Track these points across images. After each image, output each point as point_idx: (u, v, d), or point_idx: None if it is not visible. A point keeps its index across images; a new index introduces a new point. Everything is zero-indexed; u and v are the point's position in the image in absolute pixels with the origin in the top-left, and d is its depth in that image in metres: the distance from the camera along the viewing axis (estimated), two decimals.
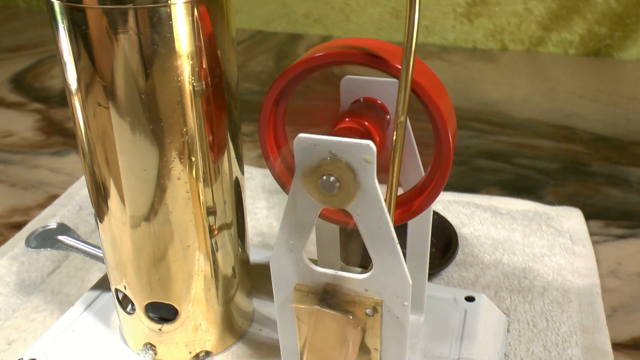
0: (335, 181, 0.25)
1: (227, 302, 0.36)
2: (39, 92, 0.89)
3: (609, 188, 0.62)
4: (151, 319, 0.35)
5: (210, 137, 0.31)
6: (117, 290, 0.35)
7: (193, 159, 0.30)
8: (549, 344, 0.40)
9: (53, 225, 0.42)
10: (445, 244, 0.50)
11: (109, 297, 0.41)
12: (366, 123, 0.29)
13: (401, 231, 0.30)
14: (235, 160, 0.34)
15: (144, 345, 0.36)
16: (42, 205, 0.59)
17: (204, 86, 0.29)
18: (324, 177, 0.25)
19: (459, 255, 0.50)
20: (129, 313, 0.36)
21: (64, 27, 0.27)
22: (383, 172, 0.27)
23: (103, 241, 0.34)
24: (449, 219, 0.53)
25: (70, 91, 0.29)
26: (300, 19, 1.15)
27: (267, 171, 0.63)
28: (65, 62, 0.29)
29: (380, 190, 0.26)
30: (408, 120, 0.30)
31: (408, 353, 0.30)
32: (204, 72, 0.29)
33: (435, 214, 0.52)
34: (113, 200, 0.31)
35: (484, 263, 0.49)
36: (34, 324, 0.43)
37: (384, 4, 1.08)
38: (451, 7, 1.05)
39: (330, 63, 0.28)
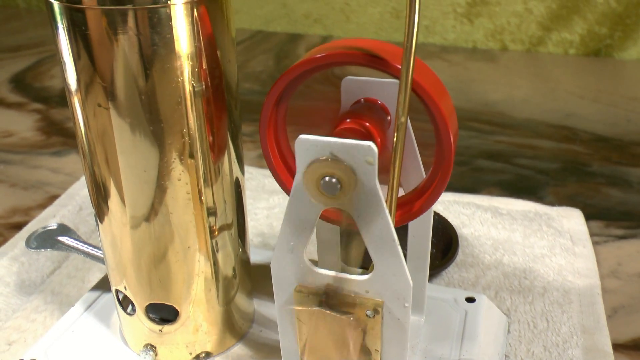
0: (336, 182, 0.25)
1: (227, 303, 0.36)
2: (39, 92, 0.89)
3: (610, 188, 0.61)
4: (152, 319, 0.35)
5: (211, 138, 0.31)
6: (117, 291, 0.35)
7: (193, 159, 0.30)
8: (549, 345, 0.40)
9: (53, 225, 0.42)
10: (445, 244, 0.50)
11: (109, 298, 0.41)
12: (367, 124, 0.29)
13: (402, 232, 0.30)
14: (235, 160, 0.34)
15: (144, 346, 0.36)
16: (43, 206, 0.59)
17: (204, 87, 0.29)
18: (325, 179, 0.25)
19: (460, 256, 0.50)
20: (129, 314, 0.35)
21: (63, 27, 0.27)
22: (384, 172, 0.27)
23: (103, 242, 0.34)
24: (450, 220, 0.53)
25: (70, 92, 0.29)
26: (300, 19, 1.15)
27: (267, 171, 0.63)
28: (65, 63, 0.29)
29: (382, 192, 0.26)
30: (409, 121, 0.30)
31: (408, 354, 0.30)
32: (204, 73, 0.29)
33: (436, 214, 0.51)
34: (113, 201, 0.31)
35: (484, 264, 0.49)
36: (34, 324, 0.43)
37: (384, 4, 1.08)
38: (451, 7, 1.05)
39: (331, 64, 0.28)
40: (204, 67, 0.29)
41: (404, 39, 0.25)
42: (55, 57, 1.02)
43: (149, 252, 0.32)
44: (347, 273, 0.29)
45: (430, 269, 0.38)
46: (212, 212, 0.33)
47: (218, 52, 0.29)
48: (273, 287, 0.30)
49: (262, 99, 0.29)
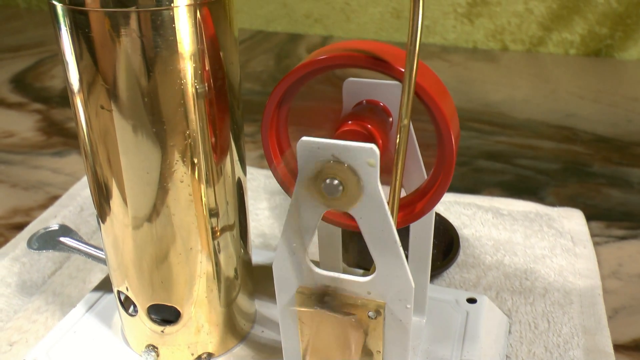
0: (338, 184, 0.25)
1: (229, 304, 0.36)
2: (39, 92, 0.89)
3: (610, 189, 0.62)
4: (153, 320, 0.35)
5: (213, 139, 0.31)
6: (119, 292, 0.35)
7: (196, 161, 0.30)
8: (550, 346, 0.40)
9: (55, 226, 0.42)
10: (446, 245, 0.50)
11: (110, 299, 0.41)
12: (369, 126, 0.29)
13: (403, 233, 0.30)
14: (237, 161, 0.34)
15: (146, 347, 0.36)
16: (43, 206, 0.59)
17: (206, 88, 0.29)
18: (327, 181, 0.25)
19: (461, 257, 0.50)
20: (131, 315, 0.36)
21: (66, 29, 0.27)
22: (385, 173, 0.27)
23: (105, 243, 0.34)
24: (451, 220, 0.53)
25: (72, 93, 0.29)
26: (300, 18, 1.15)
27: (269, 172, 0.63)
28: (67, 65, 0.29)
29: (383, 193, 0.26)
30: (411, 123, 0.30)
31: (410, 355, 0.30)
32: (207, 74, 0.29)
33: (437, 215, 0.52)
34: (115, 203, 0.31)
35: (485, 264, 0.49)
36: (36, 325, 0.43)
37: (384, 4, 1.08)
38: (452, 7, 1.05)
39: (333, 66, 0.28)
40: (206, 68, 0.29)
41: (407, 42, 0.25)
42: (55, 57, 1.02)
43: (151, 253, 0.32)
44: (349, 274, 0.29)
45: (432, 270, 0.38)
46: (214, 213, 0.33)
47: (221, 54, 0.30)
48: (275, 289, 0.30)
49: (263, 99, 0.29)
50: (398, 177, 0.27)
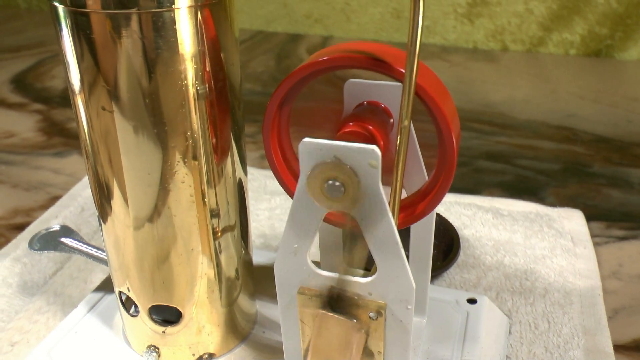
0: (340, 185, 0.25)
1: (230, 304, 0.36)
2: (40, 93, 0.89)
3: (610, 189, 0.62)
4: (155, 321, 0.35)
5: (214, 140, 0.31)
6: (120, 293, 0.35)
7: (197, 162, 0.30)
8: (550, 346, 0.40)
9: (56, 227, 0.42)
10: (447, 245, 0.50)
11: (112, 299, 0.41)
12: (370, 127, 0.29)
13: (404, 233, 0.30)
14: (238, 162, 0.34)
15: (147, 347, 0.36)
16: (44, 207, 0.59)
17: (207, 89, 0.29)
18: (329, 182, 0.25)
19: (461, 257, 0.50)
20: (132, 315, 0.36)
21: (67, 31, 0.27)
22: (386, 174, 0.27)
23: (106, 243, 0.34)
24: (451, 221, 0.53)
25: (74, 95, 0.30)
26: (301, 19, 1.15)
27: (269, 172, 0.63)
28: (69, 66, 0.29)
29: (384, 193, 0.26)
30: (412, 124, 0.30)
31: (411, 355, 0.30)
32: (208, 76, 0.29)
33: (437, 215, 0.52)
34: (117, 203, 0.31)
35: (485, 265, 0.49)
36: (37, 325, 0.43)
37: (384, 4, 1.08)
38: (452, 8, 1.05)
39: (333, 67, 0.28)
40: (207, 70, 0.29)
41: (408, 43, 0.25)
42: (55, 57, 1.02)
43: (152, 253, 0.32)
44: (350, 275, 0.29)
45: (432, 270, 0.38)
46: (215, 214, 0.33)
47: (222, 55, 0.30)
48: (276, 290, 0.30)
49: (263, 100, 0.29)
50: (399, 179, 0.27)
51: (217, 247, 0.34)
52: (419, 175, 0.33)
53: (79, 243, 0.41)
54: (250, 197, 0.60)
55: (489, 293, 0.46)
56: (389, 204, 0.27)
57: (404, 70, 0.26)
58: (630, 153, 0.69)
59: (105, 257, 0.39)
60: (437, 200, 0.30)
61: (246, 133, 0.35)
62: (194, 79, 0.29)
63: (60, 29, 0.28)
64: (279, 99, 0.30)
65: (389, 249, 0.27)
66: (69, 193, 0.61)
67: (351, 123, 0.29)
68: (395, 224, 0.27)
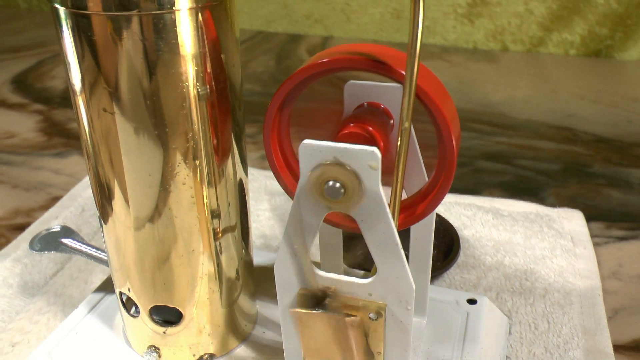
0: (340, 187, 0.25)
1: (230, 305, 0.36)
2: (40, 93, 0.89)
3: (610, 189, 0.62)
4: (155, 321, 0.35)
5: (215, 142, 0.31)
6: (121, 293, 0.36)
7: (198, 163, 0.31)
8: (550, 346, 0.40)
9: (57, 227, 0.42)
10: (447, 246, 0.50)
11: (112, 300, 0.41)
12: (370, 128, 0.29)
13: (404, 234, 0.30)
14: (239, 163, 0.34)
15: (148, 347, 0.36)
16: (45, 207, 0.59)
17: (208, 91, 0.29)
18: (329, 183, 0.26)
19: (461, 258, 0.50)
20: (133, 316, 0.36)
21: (68, 32, 0.27)
22: (386, 174, 0.27)
23: (107, 244, 0.34)
24: (451, 221, 0.53)
25: (75, 96, 0.30)
26: (301, 19, 1.15)
27: (269, 173, 0.64)
28: (70, 67, 0.29)
29: (385, 196, 0.26)
30: (412, 125, 0.30)
31: (411, 356, 0.30)
32: (209, 77, 0.29)
33: (437, 216, 0.52)
34: (118, 204, 0.32)
35: (485, 265, 0.49)
36: (38, 326, 0.43)
37: (384, 4, 1.09)
38: (452, 8, 1.05)
39: (334, 69, 0.28)
40: (208, 71, 0.29)
41: (408, 44, 0.25)
42: (56, 57, 1.02)
43: (153, 254, 0.33)
44: (350, 276, 0.29)
45: (432, 271, 0.38)
46: (216, 215, 0.33)
47: (222, 56, 0.30)
48: (277, 291, 0.30)
49: (264, 100, 0.29)
50: (399, 180, 0.27)
51: (218, 248, 0.34)
52: (419, 176, 0.33)
53: (80, 244, 0.41)
54: (251, 198, 0.60)
55: (489, 293, 0.46)
56: (389, 205, 0.27)
57: (404, 72, 0.26)
58: (630, 153, 0.69)
59: (105, 258, 0.39)
60: (437, 201, 0.30)
61: (247, 133, 0.35)
62: (195, 80, 0.29)
63: (62, 31, 0.28)
64: (279, 101, 0.30)
65: (389, 250, 0.27)
66: (70, 193, 0.61)
67: (351, 124, 0.29)
68: (395, 225, 0.27)
